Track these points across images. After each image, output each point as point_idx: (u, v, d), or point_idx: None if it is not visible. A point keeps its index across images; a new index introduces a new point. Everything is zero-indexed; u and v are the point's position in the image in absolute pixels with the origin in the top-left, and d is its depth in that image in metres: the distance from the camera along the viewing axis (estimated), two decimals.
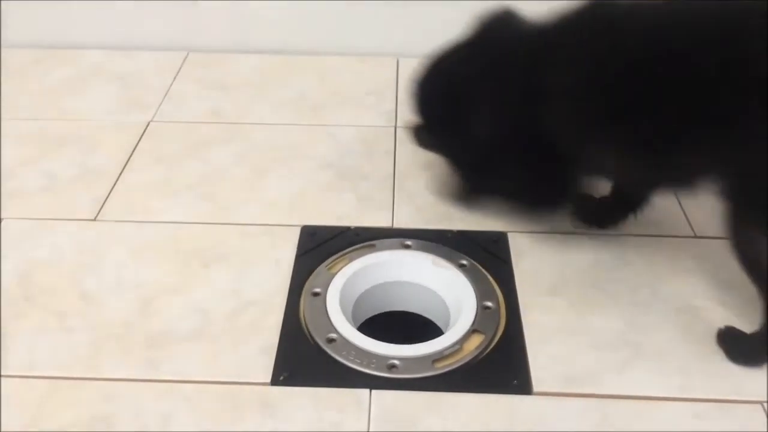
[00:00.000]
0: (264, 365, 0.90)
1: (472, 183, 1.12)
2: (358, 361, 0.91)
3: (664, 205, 1.18)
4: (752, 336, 0.91)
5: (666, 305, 1.00)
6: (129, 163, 1.27)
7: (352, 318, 0.99)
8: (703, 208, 1.17)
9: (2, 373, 0.90)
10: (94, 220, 1.14)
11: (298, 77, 1.54)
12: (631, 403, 0.87)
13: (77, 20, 1.63)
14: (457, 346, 0.93)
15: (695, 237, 1.12)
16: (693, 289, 1.02)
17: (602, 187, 1.13)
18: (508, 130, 0.98)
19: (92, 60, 1.59)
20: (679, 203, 1.18)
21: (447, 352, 0.92)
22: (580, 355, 0.92)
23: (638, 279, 1.04)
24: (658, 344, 0.94)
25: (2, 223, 1.13)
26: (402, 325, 1.07)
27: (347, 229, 1.11)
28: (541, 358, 0.92)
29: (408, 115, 1.16)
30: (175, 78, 1.53)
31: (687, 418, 0.85)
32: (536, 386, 0.88)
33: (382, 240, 1.09)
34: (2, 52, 1.62)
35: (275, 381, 0.89)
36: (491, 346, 0.93)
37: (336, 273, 1.03)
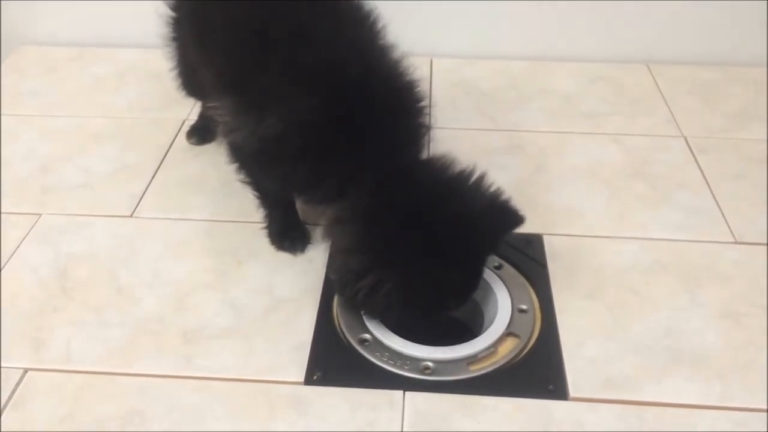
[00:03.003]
0: (297, 363, 0.91)
1: None
2: (392, 362, 0.90)
3: (703, 210, 1.16)
4: None
5: (706, 311, 0.98)
6: (165, 159, 1.28)
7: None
8: (743, 214, 1.15)
9: (40, 367, 0.91)
10: (131, 216, 1.15)
11: None
12: (669, 411, 0.85)
13: (115, 18, 1.64)
14: (492, 349, 0.92)
15: (736, 243, 1.10)
16: (734, 295, 1.00)
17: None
18: None
19: (129, 57, 1.61)
20: (720, 208, 1.16)
21: (481, 355, 0.91)
22: (617, 361, 0.91)
23: (677, 284, 1.02)
24: (698, 351, 0.92)
25: (41, 219, 1.15)
26: (434, 326, 1.06)
27: None
28: (577, 362, 0.91)
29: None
30: None
31: (727, 427, 0.83)
32: (572, 391, 0.87)
33: None
34: (40, 50, 1.65)
35: (308, 380, 0.89)
36: (526, 350, 0.92)
37: None
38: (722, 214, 1.15)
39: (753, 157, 1.29)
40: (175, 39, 1.16)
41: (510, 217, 0.92)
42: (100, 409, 0.86)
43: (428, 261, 0.86)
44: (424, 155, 0.98)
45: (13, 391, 0.88)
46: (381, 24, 0.99)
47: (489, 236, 0.92)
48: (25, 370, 0.90)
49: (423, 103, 0.97)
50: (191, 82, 1.20)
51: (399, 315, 0.92)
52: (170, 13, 1.13)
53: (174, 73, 1.22)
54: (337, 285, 0.96)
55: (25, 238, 1.11)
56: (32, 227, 1.13)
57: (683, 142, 1.33)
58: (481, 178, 0.92)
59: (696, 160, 1.28)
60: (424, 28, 1.59)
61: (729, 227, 1.12)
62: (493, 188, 0.92)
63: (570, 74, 1.56)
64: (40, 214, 1.15)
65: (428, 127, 0.98)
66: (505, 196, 0.92)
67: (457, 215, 0.88)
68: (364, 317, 0.95)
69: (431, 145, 1.10)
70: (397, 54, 0.97)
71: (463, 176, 0.92)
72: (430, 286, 0.87)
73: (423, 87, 0.97)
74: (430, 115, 0.98)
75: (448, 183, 0.91)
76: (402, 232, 0.86)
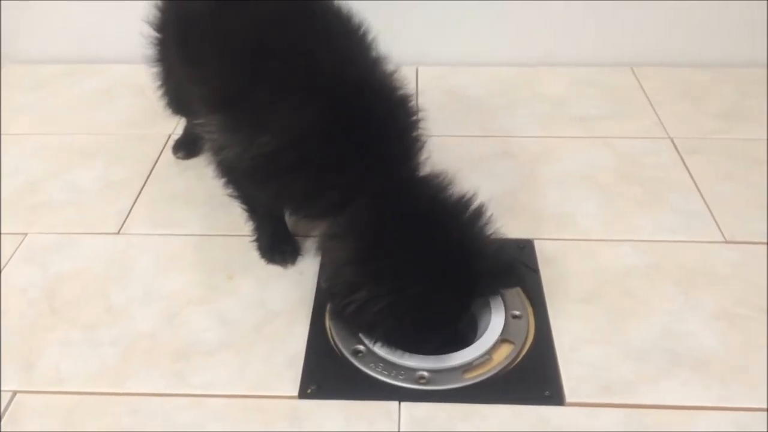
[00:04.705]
0: (291, 377, 0.89)
1: None
2: (386, 372, 0.89)
3: (694, 211, 1.16)
4: None
5: (702, 313, 0.98)
6: (152, 175, 1.27)
7: None
8: (732, 212, 1.15)
9: (30, 389, 0.90)
10: (118, 233, 1.14)
11: None
12: (668, 414, 0.85)
13: (101, 35, 1.64)
14: (487, 356, 0.91)
15: (726, 242, 1.10)
16: (729, 296, 1.00)
17: None
18: None
19: (116, 73, 1.61)
20: (707, 207, 1.16)
21: (476, 363, 0.90)
22: (614, 365, 0.90)
23: (671, 286, 1.02)
24: (695, 352, 0.92)
25: (27, 238, 1.13)
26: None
27: None
28: (573, 367, 0.90)
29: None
30: None
31: (728, 429, 0.83)
32: (569, 397, 0.86)
33: None
34: (28, 68, 1.64)
35: (303, 394, 0.88)
36: (521, 356, 0.92)
37: None
38: (711, 214, 1.15)
39: (740, 156, 1.29)
40: (160, 59, 1.15)
41: (511, 277, 0.94)
42: (93, 430, 0.84)
43: (422, 287, 0.85)
44: (420, 170, 0.98)
45: (2, 414, 0.86)
46: (371, 36, 0.99)
47: (486, 286, 0.92)
48: (14, 393, 0.89)
49: (417, 117, 0.96)
50: (177, 100, 1.19)
51: (385, 334, 0.91)
52: (154, 33, 1.12)
53: (160, 92, 1.21)
54: (328, 294, 0.95)
55: (11, 257, 1.09)
56: (18, 246, 1.11)
57: (670, 144, 1.34)
58: (482, 209, 0.91)
59: (684, 161, 1.28)
60: (410, 37, 1.60)
61: (719, 227, 1.12)
62: (497, 232, 0.92)
63: (557, 79, 1.57)
64: (26, 234, 1.14)
65: (423, 142, 0.97)
66: (510, 255, 0.94)
67: (458, 248, 0.87)
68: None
69: (426, 159, 1.11)
70: (389, 67, 0.97)
71: (463, 203, 0.91)
72: (419, 313, 0.86)
73: (415, 101, 0.97)
74: (423, 128, 0.98)
75: (447, 206, 0.91)
76: (399, 253, 0.86)
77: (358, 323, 0.91)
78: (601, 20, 1.58)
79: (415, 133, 0.96)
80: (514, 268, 0.94)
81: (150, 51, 1.15)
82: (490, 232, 0.91)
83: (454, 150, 1.33)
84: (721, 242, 1.10)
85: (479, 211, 0.91)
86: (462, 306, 0.91)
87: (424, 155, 0.97)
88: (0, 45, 1.65)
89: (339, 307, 0.89)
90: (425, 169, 0.97)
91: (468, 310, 0.92)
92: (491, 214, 0.91)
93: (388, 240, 0.87)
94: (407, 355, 0.91)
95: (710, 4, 1.54)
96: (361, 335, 0.93)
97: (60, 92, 1.55)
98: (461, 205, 0.91)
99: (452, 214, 0.90)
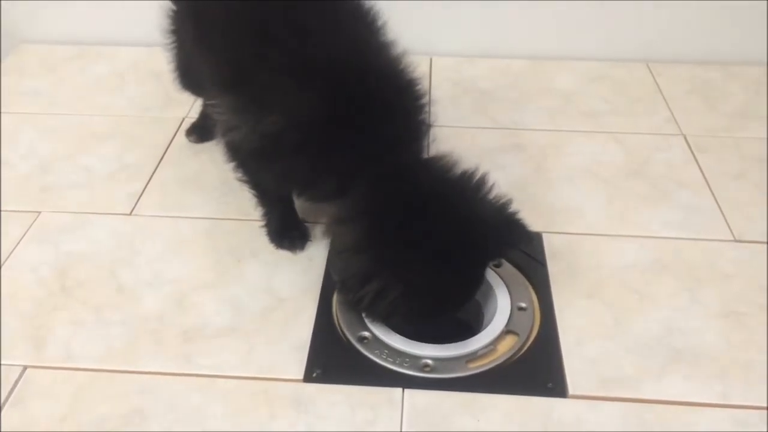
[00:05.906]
0: (297, 361, 0.91)
1: None
2: (391, 360, 0.90)
3: (703, 209, 1.16)
4: None
5: (706, 310, 0.98)
6: (164, 158, 1.28)
7: None
8: (743, 212, 1.15)
9: (40, 365, 0.91)
10: (130, 214, 1.15)
11: None
12: (669, 409, 0.85)
13: (115, 17, 1.65)
14: (491, 347, 0.92)
15: (735, 241, 1.10)
16: (734, 294, 1.00)
17: None
18: None
19: (129, 56, 1.61)
20: (719, 207, 1.16)
21: (481, 353, 0.91)
22: (616, 359, 0.91)
23: (677, 283, 1.02)
24: (698, 349, 0.92)
25: (40, 216, 1.15)
26: (433, 323, 1.06)
27: None
28: (577, 360, 0.91)
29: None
30: None
31: (727, 425, 0.83)
32: (571, 389, 0.87)
33: None
34: (41, 48, 1.65)
35: (308, 378, 0.89)
36: (525, 348, 0.92)
37: None
38: (722, 212, 1.15)
39: (753, 155, 1.29)
40: (174, 32, 1.15)
41: (519, 232, 0.93)
42: (100, 407, 0.86)
43: (433, 266, 0.85)
44: (425, 154, 0.98)
45: (12, 389, 0.88)
46: (381, 21, 0.99)
47: (495, 248, 0.92)
48: (24, 368, 0.90)
49: (423, 101, 0.96)
50: (187, 76, 1.20)
51: (402, 320, 0.92)
52: (171, 5, 1.12)
53: (172, 67, 1.21)
54: (340, 287, 0.96)
55: (24, 236, 1.11)
56: (31, 225, 1.13)
57: (683, 141, 1.33)
58: (484, 180, 0.92)
59: (696, 159, 1.28)
60: (424, 27, 1.60)
61: (729, 226, 1.12)
62: (500, 196, 0.92)
63: (570, 73, 1.56)
64: (39, 212, 1.15)
65: (429, 126, 0.98)
66: (513, 209, 0.92)
67: (464, 221, 0.88)
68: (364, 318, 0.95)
69: (431, 143, 1.11)
70: (397, 51, 0.97)
71: (466, 178, 0.92)
72: (434, 292, 0.87)
73: (423, 85, 0.97)
74: (429, 113, 0.98)
75: (451, 184, 0.91)
76: (405, 234, 0.86)
77: (375, 315, 0.92)
78: (616, 15, 1.57)
79: (420, 117, 0.96)
80: (518, 228, 0.93)
81: (165, 22, 1.14)
82: (493, 199, 0.91)
83: (464, 141, 1.33)
84: (731, 241, 1.10)
85: (481, 182, 0.91)
86: (474, 277, 0.91)
87: (428, 139, 0.98)
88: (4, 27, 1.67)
89: (354, 300, 0.90)
90: (429, 153, 0.97)
91: (481, 279, 0.93)
92: (493, 181, 0.91)
93: (391, 224, 0.87)
94: (413, 342, 0.92)
95: (725, 3, 1.53)
96: (373, 323, 0.94)
97: (73, 74, 1.56)
98: (464, 179, 0.91)
99: (455, 190, 0.90)
